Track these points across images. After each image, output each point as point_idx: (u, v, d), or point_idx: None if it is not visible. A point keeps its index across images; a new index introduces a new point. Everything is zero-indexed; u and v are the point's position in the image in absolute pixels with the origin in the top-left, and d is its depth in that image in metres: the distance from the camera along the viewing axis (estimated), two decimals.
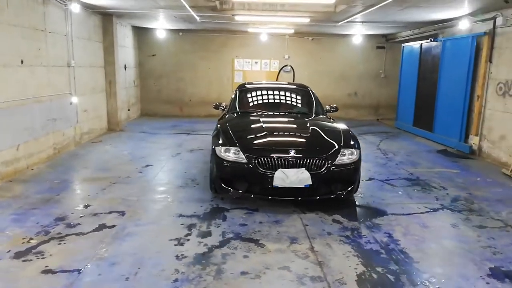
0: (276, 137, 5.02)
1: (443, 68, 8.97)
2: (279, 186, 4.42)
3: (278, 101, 6.68)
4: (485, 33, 7.53)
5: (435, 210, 4.85)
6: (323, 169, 4.53)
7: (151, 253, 3.57)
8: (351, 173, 4.74)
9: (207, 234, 3.99)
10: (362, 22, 9.46)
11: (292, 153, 4.52)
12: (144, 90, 12.89)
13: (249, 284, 3.11)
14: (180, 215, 4.45)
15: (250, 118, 5.75)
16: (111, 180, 5.70)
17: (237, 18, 8.47)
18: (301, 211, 4.66)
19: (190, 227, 4.15)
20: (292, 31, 11.04)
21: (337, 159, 4.61)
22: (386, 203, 5.04)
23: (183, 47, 12.69)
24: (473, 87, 7.97)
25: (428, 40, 9.63)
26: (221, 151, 4.72)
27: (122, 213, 4.46)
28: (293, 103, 6.64)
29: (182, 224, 4.21)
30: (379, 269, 3.39)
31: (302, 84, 7.19)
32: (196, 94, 13.02)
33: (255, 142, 4.86)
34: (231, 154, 4.64)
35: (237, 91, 6.66)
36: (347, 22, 9.27)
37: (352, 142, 4.91)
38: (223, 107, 6.57)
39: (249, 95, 6.69)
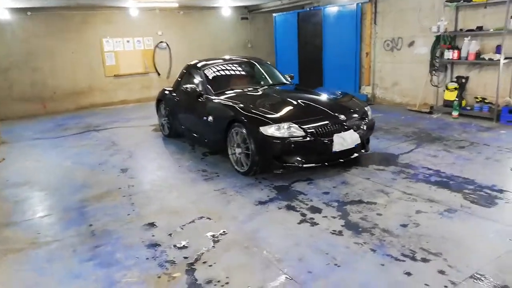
0: (311, 105, 5.11)
1: (326, 33, 10.33)
2: (337, 150, 4.69)
3: (252, 75, 6.61)
4: (369, 0, 9.12)
5: (419, 145, 6.00)
6: (362, 127, 5.02)
7: (306, 238, 3.41)
8: (372, 128, 5.38)
9: (316, 209, 3.98)
10: None
11: (342, 117, 4.81)
12: None
13: (430, 229, 3.43)
14: (263, 202, 4.22)
15: (255, 94, 5.62)
16: (119, 194, 4.69)
17: None
18: (344, 170, 5.05)
19: (291, 208, 4.03)
20: (176, 4, 10.44)
21: (368, 118, 5.17)
22: (384, 148, 5.93)
23: (34, 30, 10.25)
24: (361, 46, 9.62)
25: (307, 9, 10.85)
26: (269, 129, 4.58)
27: (206, 218, 3.91)
28: (265, 76, 6.61)
29: (279, 209, 4.04)
30: (466, 191, 4.21)
31: (257, 58, 7.22)
32: (61, 86, 10.90)
33: (299, 114, 4.88)
34: (283, 130, 4.57)
35: (202, 72, 6.20)
36: None
37: (365, 103, 5.52)
38: (194, 89, 6.01)
39: (216, 74, 6.32)
